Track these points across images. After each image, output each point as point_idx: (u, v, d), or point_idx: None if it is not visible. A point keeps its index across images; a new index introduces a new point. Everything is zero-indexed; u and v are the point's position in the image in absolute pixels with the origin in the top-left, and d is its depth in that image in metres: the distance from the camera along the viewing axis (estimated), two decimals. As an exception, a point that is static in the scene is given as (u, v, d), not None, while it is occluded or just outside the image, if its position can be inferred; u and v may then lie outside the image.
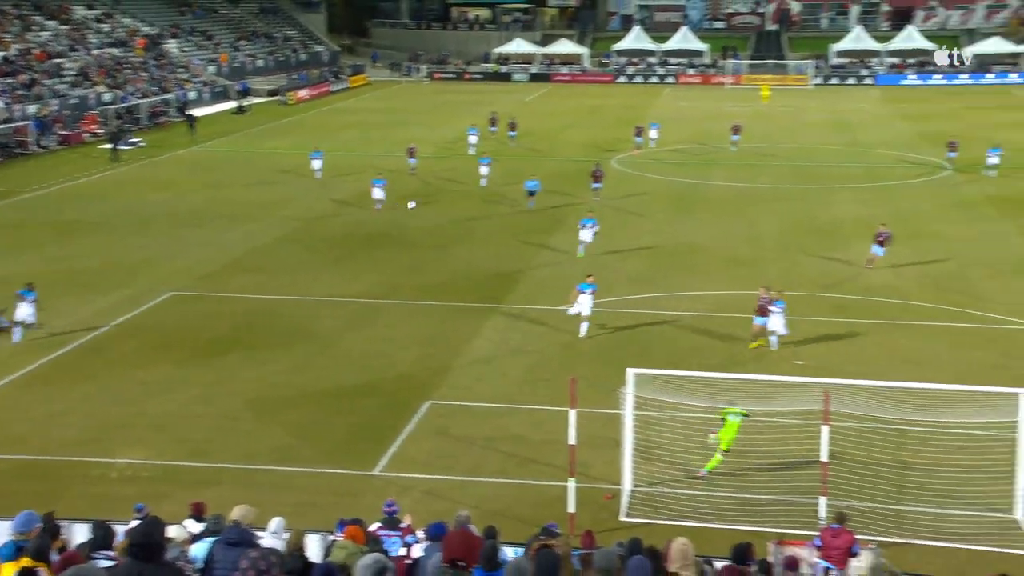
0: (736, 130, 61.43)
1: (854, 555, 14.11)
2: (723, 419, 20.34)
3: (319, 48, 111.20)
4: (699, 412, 23.11)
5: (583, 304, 28.21)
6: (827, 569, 14.06)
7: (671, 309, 31.55)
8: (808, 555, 14.47)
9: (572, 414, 18.48)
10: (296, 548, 10.89)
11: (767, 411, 22.92)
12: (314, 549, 13.74)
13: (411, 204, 38.04)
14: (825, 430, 18.13)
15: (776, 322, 27.27)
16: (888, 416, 20.65)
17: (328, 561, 10.65)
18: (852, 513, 17.82)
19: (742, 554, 10.96)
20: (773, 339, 27.36)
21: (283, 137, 68.03)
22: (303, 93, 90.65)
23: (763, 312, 27.64)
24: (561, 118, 76.53)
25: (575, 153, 61.26)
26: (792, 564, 12.24)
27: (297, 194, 49.09)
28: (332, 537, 13.45)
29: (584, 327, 28.32)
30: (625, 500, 19.52)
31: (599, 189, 46.41)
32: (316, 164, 52.82)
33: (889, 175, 53.47)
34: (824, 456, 18.18)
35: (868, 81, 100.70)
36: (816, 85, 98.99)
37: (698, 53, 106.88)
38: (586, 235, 36.63)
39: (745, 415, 20.34)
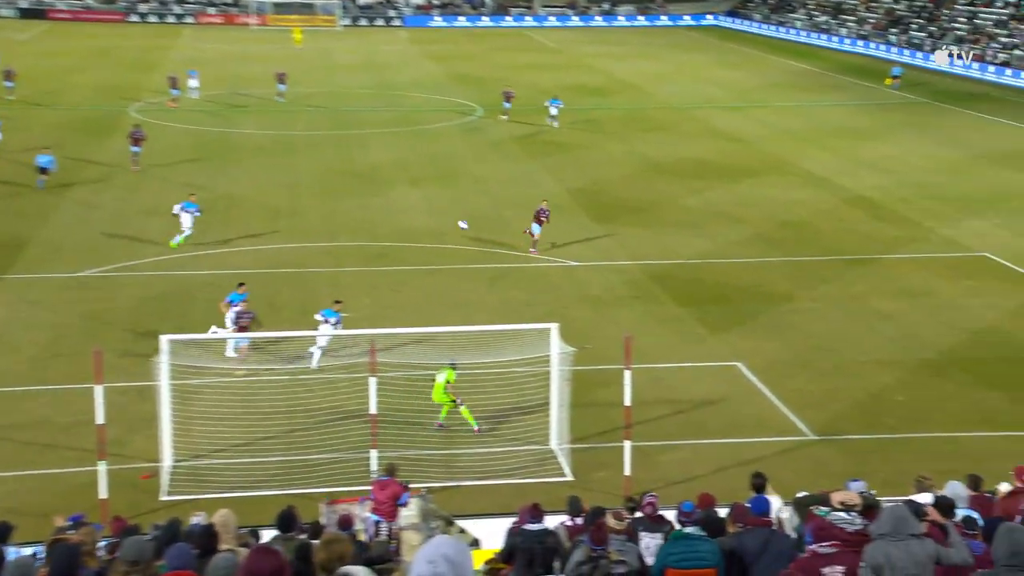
0: (281, 78, 59.17)
1: (403, 505, 14.64)
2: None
3: None
4: (239, 378, 22.77)
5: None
6: (377, 522, 14.46)
7: (210, 268, 30.63)
8: (360, 511, 14.77)
9: (98, 390, 17.28)
10: None
11: (318, 369, 23.07)
12: None
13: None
14: (372, 382, 18.58)
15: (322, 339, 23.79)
16: (433, 362, 21.63)
17: None
18: (403, 463, 18.51)
19: (286, 520, 10.90)
20: (316, 351, 23.82)
21: None
22: None
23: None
24: (65, 60, 70.85)
25: (87, 100, 57.06)
26: (345, 522, 12.40)
27: None
28: None
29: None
30: (166, 477, 18.74)
31: (138, 154, 41.89)
32: None
33: (423, 118, 55.83)
34: (373, 408, 18.65)
35: (397, 23, 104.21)
36: (345, 26, 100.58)
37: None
38: (187, 221, 31.53)
39: (452, 373, 20.53)
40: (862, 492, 12.51)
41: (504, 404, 21.22)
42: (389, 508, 14.29)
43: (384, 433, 19.49)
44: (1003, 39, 75.52)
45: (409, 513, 14.63)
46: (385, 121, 54.46)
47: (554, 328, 20.37)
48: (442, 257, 32.28)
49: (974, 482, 13.15)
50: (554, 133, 51.74)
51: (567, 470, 19.42)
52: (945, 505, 9.46)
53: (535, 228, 32.45)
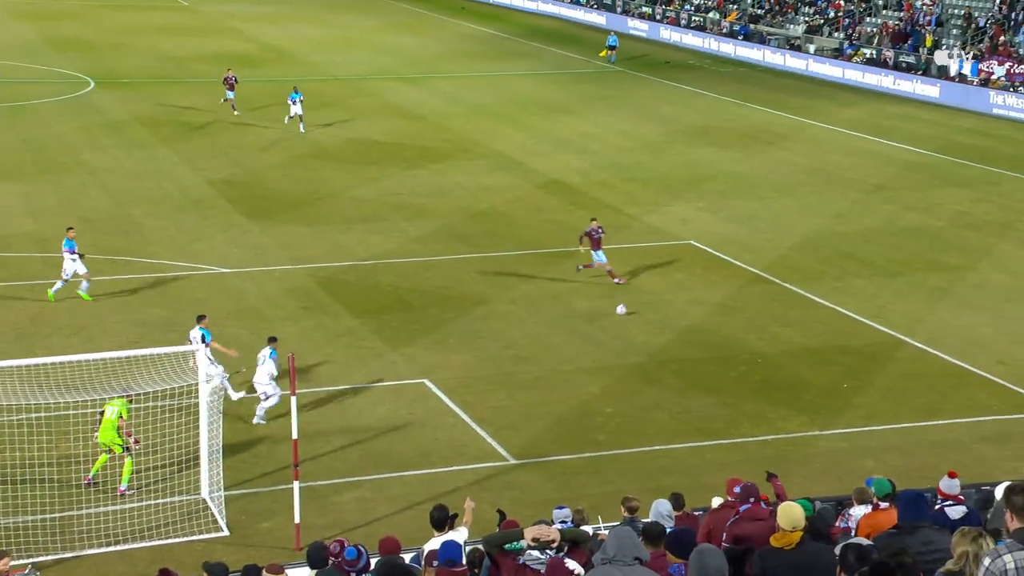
0: None
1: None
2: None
3: None
4: None
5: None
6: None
7: None
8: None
9: None
10: None
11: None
12: None
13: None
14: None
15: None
16: (42, 402, 20.43)
17: None
18: (9, 532, 17.40)
19: None
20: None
21: None
22: None
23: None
24: None
25: None
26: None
27: None
28: None
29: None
30: None
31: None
32: None
33: (12, 93, 52.80)
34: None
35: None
36: None
37: None
38: None
39: (124, 406, 19.68)
40: (566, 523, 13.03)
41: (140, 447, 20.37)
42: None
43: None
44: (696, 0, 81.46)
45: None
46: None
47: (200, 350, 19.84)
48: (49, 270, 30.58)
49: (677, 500, 14.07)
50: (197, 114, 50.48)
51: (222, 523, 18.96)
52: (654, 532, 10.00)
53: (599, 257, 30.14)
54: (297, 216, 36.31)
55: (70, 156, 42.62)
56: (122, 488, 19.77)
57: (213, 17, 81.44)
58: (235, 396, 23.08)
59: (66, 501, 19.42)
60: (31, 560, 16.21)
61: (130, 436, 19.87)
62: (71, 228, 29.25)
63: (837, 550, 9.04)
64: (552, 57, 70.97)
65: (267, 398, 22.53)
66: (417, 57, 68.68)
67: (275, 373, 22.45)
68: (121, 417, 19.71)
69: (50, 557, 17.58)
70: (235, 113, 49.34)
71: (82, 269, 28.41)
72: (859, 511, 13.68)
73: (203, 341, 22.56)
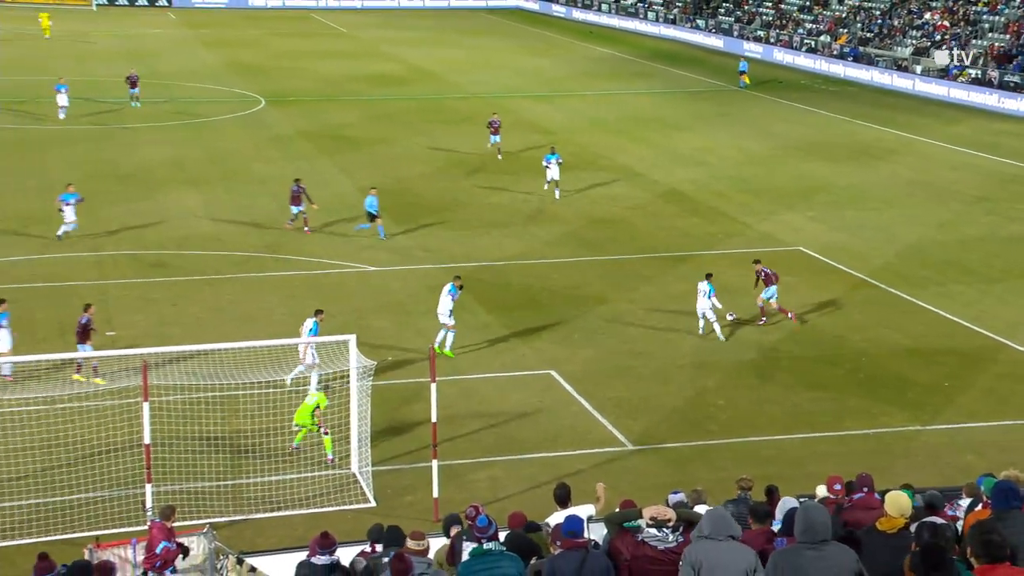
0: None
1: (160, 553, 13.94)
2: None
3: None
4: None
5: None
6: (145, 573, 13.94)
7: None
8: (132, 555, 14.22)
9: None
10: None
11: (72, 395, 22.12)
12: None
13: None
14: (146, 407, 17.97)
15: None
16: (217, 382, 21.12)
17: None
18: (184, 497, 18.02)
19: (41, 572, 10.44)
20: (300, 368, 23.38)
21: None
22: None
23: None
24: None
25: None
26: (105, 570, 11.79)
27: None
28: None
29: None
30: None
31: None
32: None
33: (198, 111, 54.43)
34: (147, 437, 18.04)
35: (162, 2, 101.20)
36: (100, 6, 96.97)
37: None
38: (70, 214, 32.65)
39: (323, 399, 20.30)
40: (683, 504, 13.00)
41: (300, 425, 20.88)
42: (152, 558, 13.81)
43: (161, 465, 18.90)
44: (808, 24, 79.99)
45: (193, 553, 14.21)
46: (155, 113, 52.75)
47: (352, 339, 20.24)
48: (226, 266, 31.55)
49: (768, 494, 13.87)
50: (351, 128, 51.43)
51: (370, 495, 19.31)
52: (761, 512, 9.98)
53: (770, 292, 27.81)
54: (439, 221, 36.73)
55: (243, 166, 43.78)
56: (329, 457, 20.37)
57: (366, 42, 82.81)
58: (315, 385, 22.93)
59: (237, 470, 20.02)
60: (208, 520, 16.71)
61: (321, 426, 20.36)
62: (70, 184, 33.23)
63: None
64: (671, 77, 70.44)
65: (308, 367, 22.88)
66: (548, 77, 68.81)
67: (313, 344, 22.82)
68: (318, 407, 20.27)
69: (223, 519, 18.11)
70: (498, 157, 45.30)
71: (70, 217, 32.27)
72: (967, 503, 13.35)
73: (311, 332, 23.00)
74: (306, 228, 34.35)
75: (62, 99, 50.21)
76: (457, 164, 45.04)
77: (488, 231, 35.70)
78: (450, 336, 25.44)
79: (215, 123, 52.10)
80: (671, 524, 9.38)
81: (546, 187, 39.55)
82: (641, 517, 9.49)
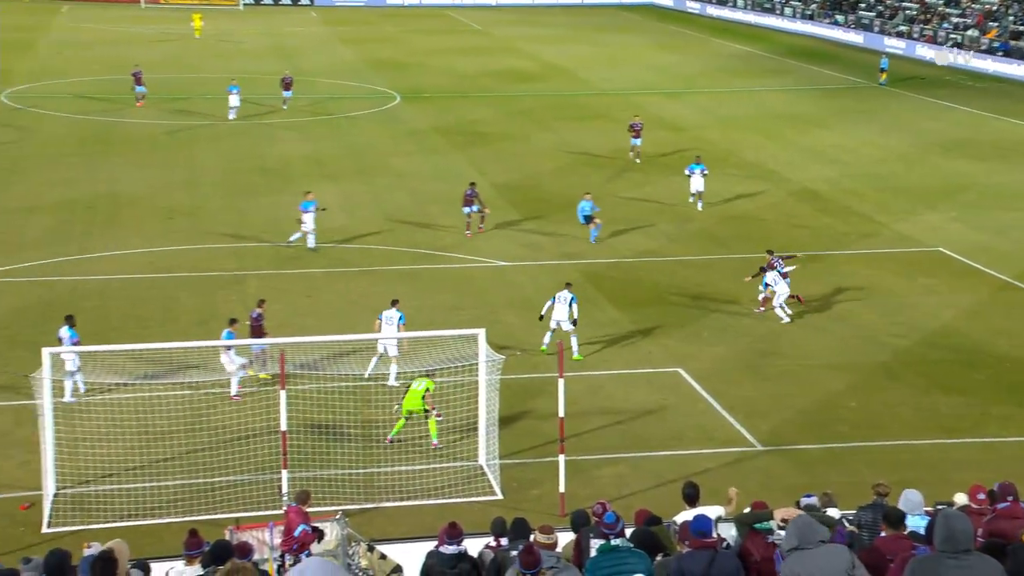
0: (138, 79, 53.46)
1: (298, 537, 14.24)
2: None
3: None
4: (133, 392, 22.37)
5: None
6: (282, 555, 14.27)
7: (96, 273, 30.10)
8: (269, 537, 14.59)
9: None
10: None
11: (216, 381, 22.78)
12: None
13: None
14: (283, 395, 18.41)
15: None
16: (349, 372, 21.53)
17: None
18: (317, 484, 18.41)
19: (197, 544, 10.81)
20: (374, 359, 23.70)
21: None
22: None
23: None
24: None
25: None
26: (243, 550, 12.15)
27: None
28: None
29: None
30: (48, 507, 18.36)
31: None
32: None
33: (336, 106, 55.47)
34: (283, 424, 18.48)
35: (305, 1, 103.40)
36: (247, 6, 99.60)
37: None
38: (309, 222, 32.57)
39: (431, 382, 20.65)
40: (815, 508, 12.73)
41: (443, 418, 21.12)
42: (289, 540, 14.13)
43: (296, 452, 19.33)
44: (955, 19, 77.42)
45: (327, 539, 14.50)
46: (297, 108, 53.92)
47: (481, 334, 20.38)
48: (360, 258, 32.10)
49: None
50: (484, 124, 51.79)
51: (497, 488, 19.43)
52: (895, 517, 9.70)
53: (770, 281, 27.62)
54: (569, 216, 36.66)
55: (379, 161, 44.44)
56: (435, 443, 20.61)
57: (501, 39, 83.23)
58: (393, 381, 23.19)
59: (369, 459, 20.37)
60: (340, 508, 17.05)
61: (433, 409, 20.64)
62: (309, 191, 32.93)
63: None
64: (807, 74, 69.02)
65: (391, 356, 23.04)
66: (679, 73, 68.14)
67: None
68: (428, 391, 20.54)
69: (355, 507, 18.42)
70: (636, 161, 44.56)
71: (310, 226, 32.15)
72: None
73: (399, 322, 23.43)
74: (480, 227, 34.31)
75: (234, 100, 51.29)
76: (586, 161, 44.93)
77: (617, 226, 35.48)
78: (574, 340, 25.05)
79: (353, 119, 52.98)
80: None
81: (690, 200, 37.56)
82: (772, 519, 9.35)
